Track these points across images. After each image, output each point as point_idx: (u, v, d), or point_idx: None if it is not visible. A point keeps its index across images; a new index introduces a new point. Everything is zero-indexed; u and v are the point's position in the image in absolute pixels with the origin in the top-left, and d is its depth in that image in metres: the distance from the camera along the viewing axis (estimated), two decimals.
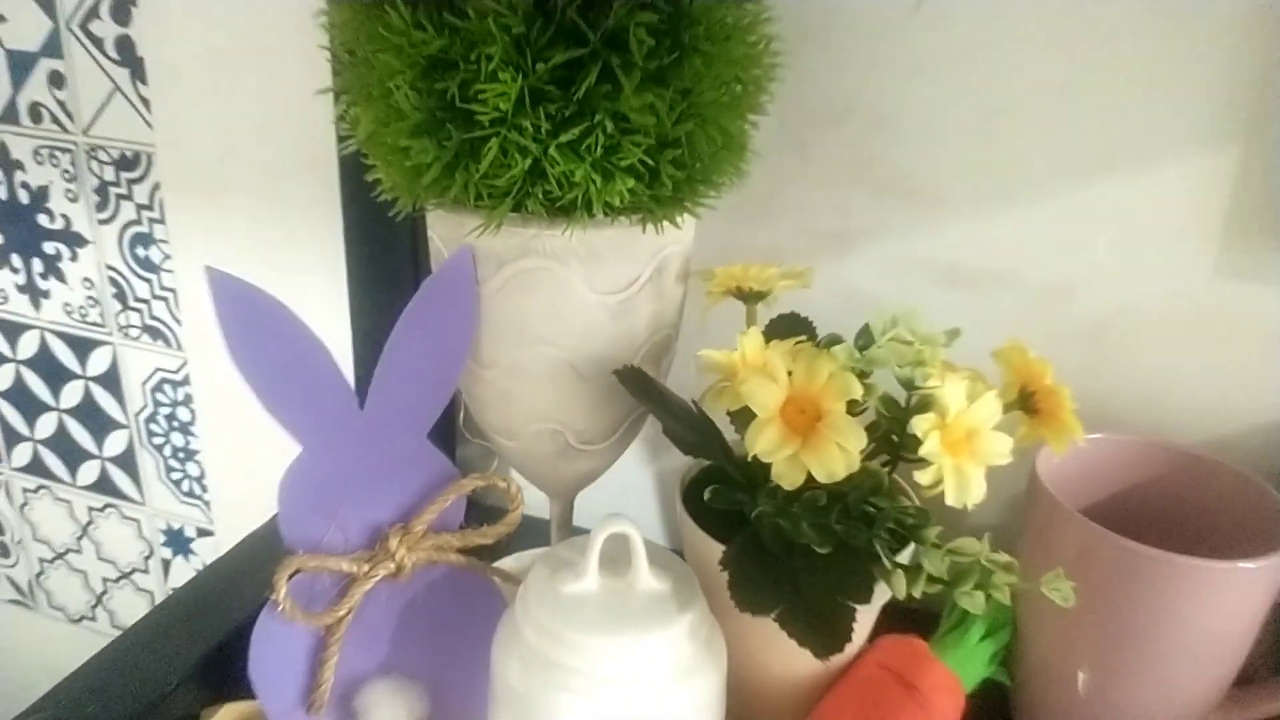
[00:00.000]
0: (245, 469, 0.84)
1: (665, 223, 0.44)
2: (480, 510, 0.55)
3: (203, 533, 0.89)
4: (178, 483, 0.88)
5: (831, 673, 0.50)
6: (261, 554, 0.61)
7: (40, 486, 0.95)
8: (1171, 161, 0.52)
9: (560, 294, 0.44)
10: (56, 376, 0.88)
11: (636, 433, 0.51)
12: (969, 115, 0.54)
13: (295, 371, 0.44)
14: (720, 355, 0.45)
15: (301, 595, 0.46)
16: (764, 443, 0.40)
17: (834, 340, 0.47)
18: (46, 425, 0.91)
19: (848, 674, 0.50)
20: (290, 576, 0.45)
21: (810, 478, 0.41)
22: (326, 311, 0.73)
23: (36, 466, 0.94)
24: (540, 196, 0.41)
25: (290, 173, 0.71)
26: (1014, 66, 0.53)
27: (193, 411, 0.84)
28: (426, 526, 0.47)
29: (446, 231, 0.45)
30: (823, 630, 0.39)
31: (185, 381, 0.83)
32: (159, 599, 0.95)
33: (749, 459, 0.44)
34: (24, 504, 0.97)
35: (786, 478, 0.41)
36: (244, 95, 0.71)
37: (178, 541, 0.91)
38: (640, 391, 0.45)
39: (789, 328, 0.50)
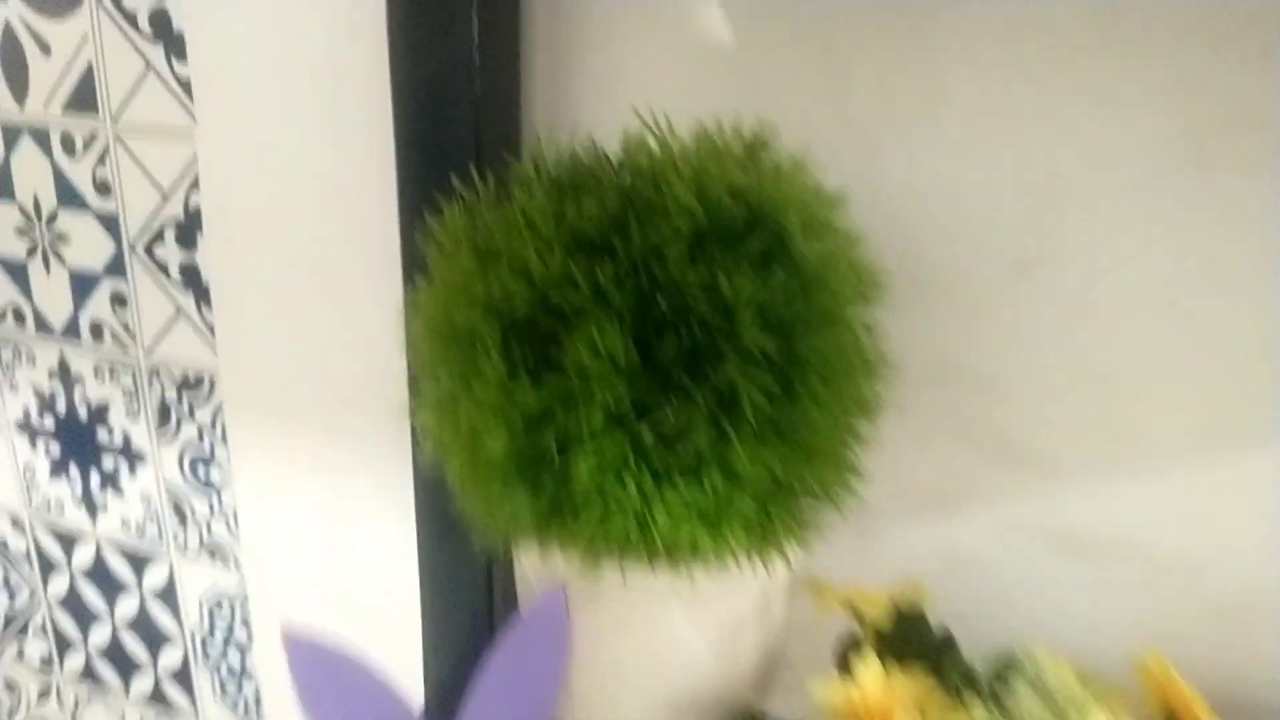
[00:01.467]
0: None
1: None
2: None
3: None
4: (234, 703, 0.84)
5: None
6: None
7: (92, 694, 0.92)
8: None
9: (660, 633, 0.40)
10: (112, 588, 0.86)
11: None
12: (1078, 379, 0.50)
13: None
14: (836, 692, 0.41)
15: None
16: None
17: (965, 675, 0.43)
18: (101, 635, 0.89)
19: None
20: None
21: None
22: (391, 557, 0.70)
23: (90, 674, 0.91)
24: (643, 554, 0.37)
25: (358, 406, 0.69)
26: (1124, 331, 0.49)
27: (250, 632, 0.81)
28: None
29: (537, 564, 0.42)
30: None
31: (243, 603, 0.80)
32: None
33: None
34: (75, 709, 0.94)
35: None
36: (310, 324, 0.69)
37: None
38: None
39: (907, 635, 0.46)
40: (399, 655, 0.71)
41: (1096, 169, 0.48)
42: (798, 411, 0.36)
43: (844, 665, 0.47)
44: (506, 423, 0.37)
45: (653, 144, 0.38)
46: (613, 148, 0.40)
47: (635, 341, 0.35)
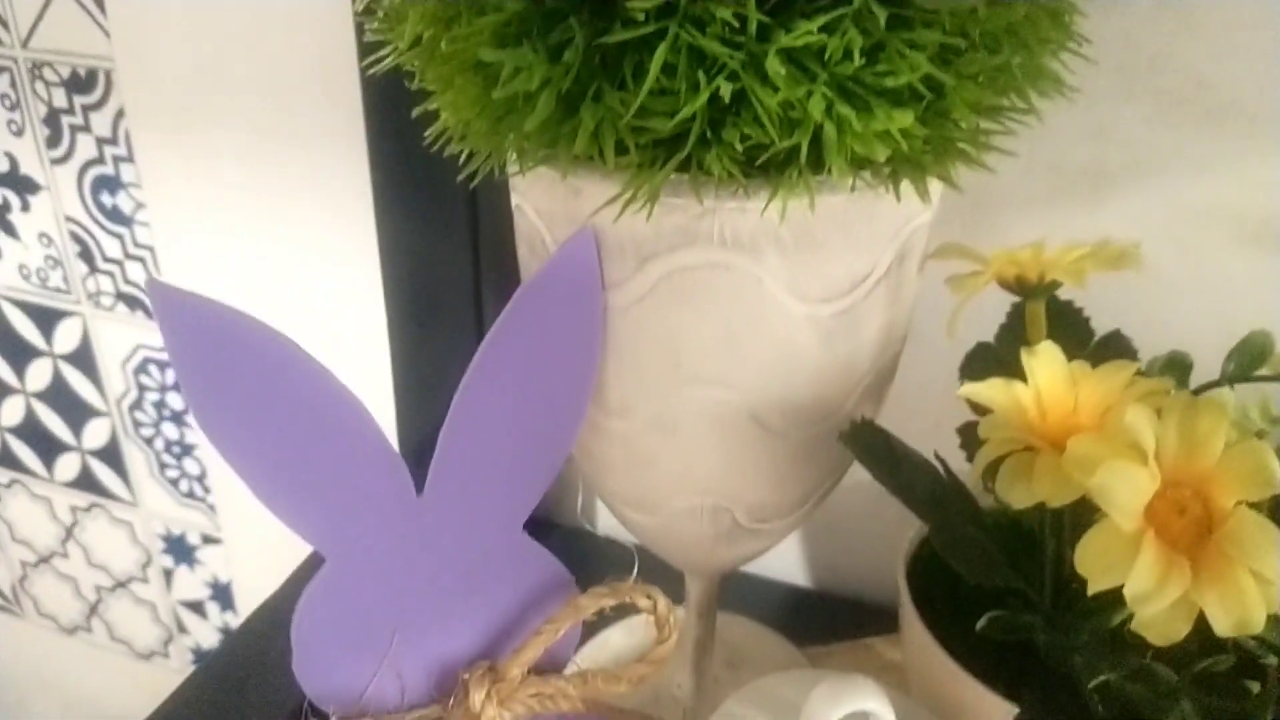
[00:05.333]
0: None
1: (935, 181, 0.26)
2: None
3: (208, 540, 0.73)
4: (174, 481, 0.72)
5: None
6: (279, 646, 0.45)
7: (13, 480, 0.79)
8: None
9: (745, 306, 0.26)
10: (19, 354, 0.72)
11: (828, 496, 0.34)
12: None
13: (309, 446, 0.26)
14: (1000, 392, 0.28)
15: None
16: (1140, 580, 0.23)
17: (1176, 361, 0.30)
18: (13, 411, 0.75)
19: None
20: None
21: None
22: (358, 288, 0.56)
23: (6, 458, 0.78)
24: (734, 145, 0.23)
25: (298, 92, 0.53)
26: None
27: None
28: (526, 668, 0.30)
29: (549, 202, 0.27)
30: None
31: None
32: (161, 612, 0.80)
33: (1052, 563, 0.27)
34: None
35: (1164, 631, 0.23)
36: None
37: (179, 549, 0.75)
38: (879, 464, 0.28)
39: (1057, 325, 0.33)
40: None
41: None
42: None
43: (979, 370, 0.34)
44: None
45: None
46: None
47: None
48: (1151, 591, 0.23)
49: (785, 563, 0.53)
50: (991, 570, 0.27)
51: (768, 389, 0.28)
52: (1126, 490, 0.23)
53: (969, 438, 0.34)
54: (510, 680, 0.29)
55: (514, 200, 0.30)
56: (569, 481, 0.56)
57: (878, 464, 0.28)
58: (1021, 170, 0.41)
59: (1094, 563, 0.24)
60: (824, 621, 0.50)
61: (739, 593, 0.49)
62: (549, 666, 0.31)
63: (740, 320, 0.27)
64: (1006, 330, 0.36)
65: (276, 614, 0.48)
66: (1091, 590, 0.24)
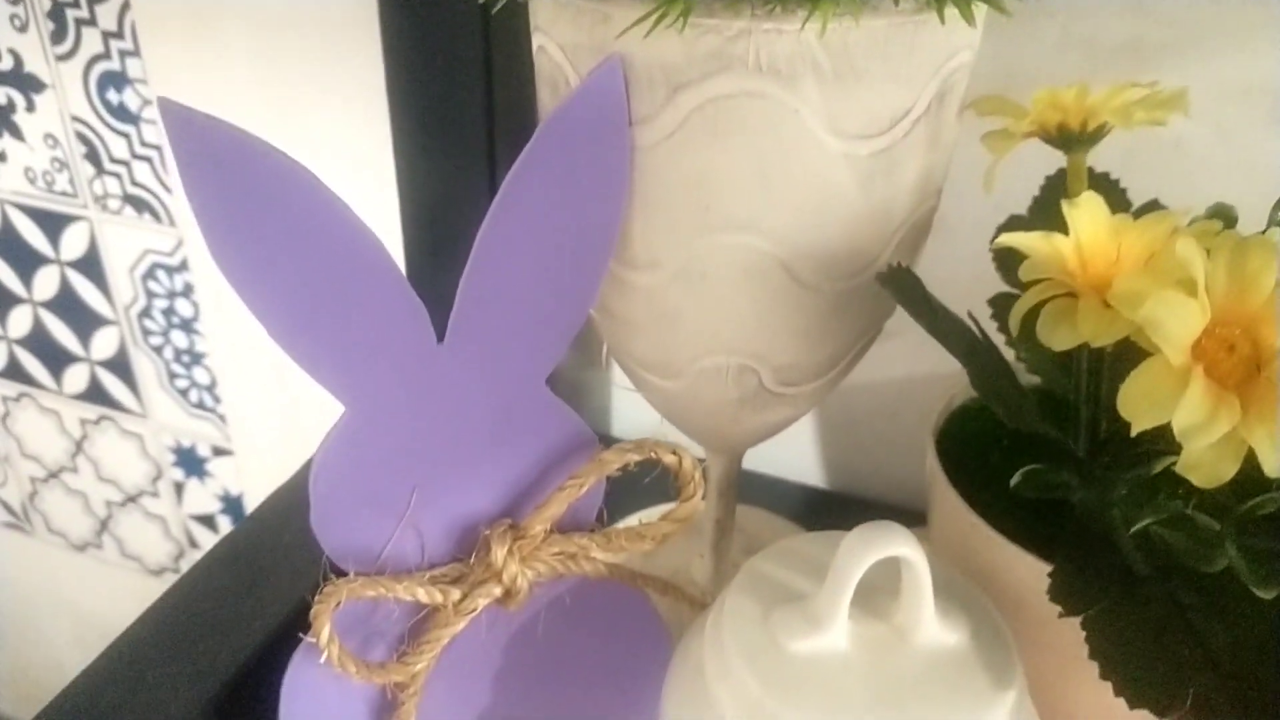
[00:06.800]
0: (265, 377, 0.67)
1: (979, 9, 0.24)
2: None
3: (219, 451, 0.73)
4: (184, 392, 0.71)
5: None
6: (295, 527, 0.44)
7: (21, 394, 0.79)
8: None
9: (780, 141, 0.25)
10: (26, 261, 0.71)
11: (855, 365, 0.33)
12: None
13: (326, 283, 0.25)
14: (1040, 245, 0.27)
15: (355, 632, 0.29)
16: (1189, 413, 0.22)
17: (1221, 211, 0.29)
18: (20, 321, 0.74)
19: None
20: (336, 607, 0.28)
21: None
22: (372, 176, 0.55)
23: (14, 370, 0.77)
24: None
25: None
26: None
27: (195, 305, 0.66)
28: (550, 525, 0.29)
29: (574, 33, 0.26)
30: None
31: (183, 267, 0.65)
32: (172, 526, 0.80)
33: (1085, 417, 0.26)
34: (5, 414, 0.81)
35: (1211, 471, 0.23)
36: None
37: (190, 462, 0.75)
38: (917, 309, 0.27)
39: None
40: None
41: None
42: None
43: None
44: None
45: None
46: None
47: None
48: (1201, 424, 0.22)
49: (803, 463, 0.53)
50: (1031, 416, 0.26)
51: (801, 236, 0.27)
52: (1176, 321, 0.22)
53: (1001, 308, 0.33)
54: (533, 537, 0.29)
55: (536, 42, 0.29)
56: (588, 387, 0.55)
57: (915, 308, 0.27)
58: (1056, 45, 0.39)
59: (1140, 401, 0.23)
60: (842, 521, 0.49)
61: (756, 493, 0.48)
62: (573, 525, 0.30)
63: (775, 158, 0.26)
64: (1040, 203, 0.35)
65: (290, 502, 0.47)
66: (1136, 430, 0.23)
